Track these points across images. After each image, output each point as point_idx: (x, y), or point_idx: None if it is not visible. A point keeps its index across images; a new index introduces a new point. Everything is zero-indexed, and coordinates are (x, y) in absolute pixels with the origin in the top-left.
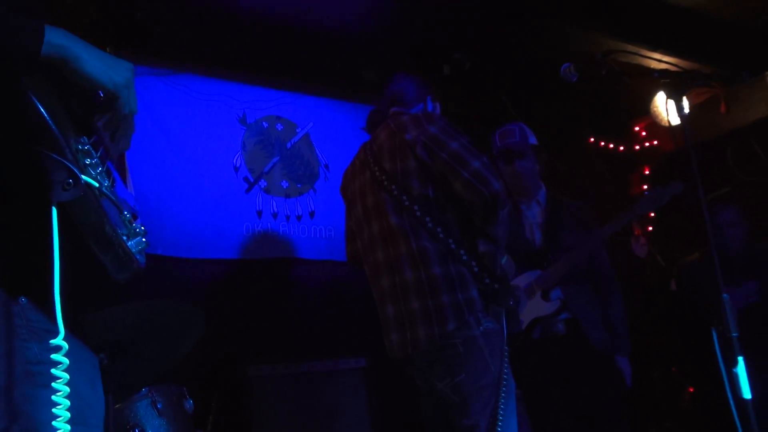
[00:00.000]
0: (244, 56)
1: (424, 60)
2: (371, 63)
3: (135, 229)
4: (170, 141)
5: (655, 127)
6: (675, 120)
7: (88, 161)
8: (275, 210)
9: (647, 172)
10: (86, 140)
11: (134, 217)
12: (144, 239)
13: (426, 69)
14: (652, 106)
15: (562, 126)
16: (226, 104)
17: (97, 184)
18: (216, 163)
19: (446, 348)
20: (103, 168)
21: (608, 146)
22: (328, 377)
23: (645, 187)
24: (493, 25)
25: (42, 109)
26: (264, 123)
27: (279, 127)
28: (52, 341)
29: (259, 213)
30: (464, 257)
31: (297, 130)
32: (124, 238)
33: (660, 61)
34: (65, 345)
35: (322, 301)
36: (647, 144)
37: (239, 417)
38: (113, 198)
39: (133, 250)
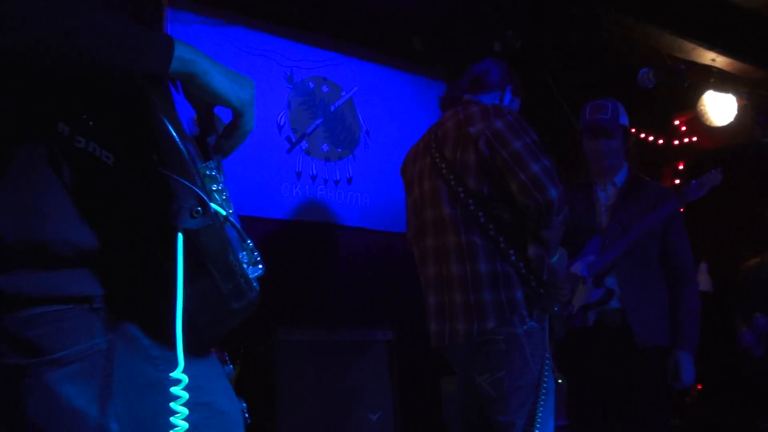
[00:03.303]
0: (296, 14)
1: (475, 34)
2: (422, 32)
3: (255, 258)
4: None
5: (696, 123)
6: (721, 121)
7: (214, 187)
8: (314, 172)
9: (681, 167)
10: (212, 165)
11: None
12: (261, 266)
13: (476, 43)
14: (699, 105)
15: None
16: (275, 61)
17: (223, 212)
18: (261, 120)
19: (488, 344)
20: (228, 194)
21: (647, 138)
22: (355, 347)
23: (677, 181)
24: (548, 6)
25: (173, 132)
26: (310, 83)
27: (325, 88)
28: (171, 374)
29: (299, 174)
30: (512, 257)
31: (342, 94)
32: (245, 265)
33: (713, 61)
34: (185, 378)
35: (353, 269)
36: (686, 140)
37: (265, 379)
38: (237, 226)
39: (250, 275)
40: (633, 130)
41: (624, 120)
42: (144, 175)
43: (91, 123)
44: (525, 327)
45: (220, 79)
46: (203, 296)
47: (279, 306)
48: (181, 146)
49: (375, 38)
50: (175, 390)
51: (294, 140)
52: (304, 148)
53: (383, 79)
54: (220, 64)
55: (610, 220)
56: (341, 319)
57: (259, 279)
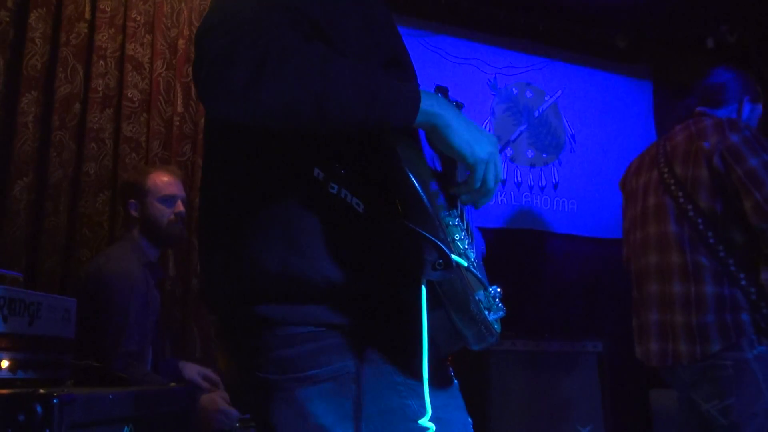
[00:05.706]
0: (498, 19)
1: (684, 30)
2: (626, 30)
3: (497, 305)
4: None
5: None
6: None
7: (456, 236)
8: (519, 179)
9: None
10: (456, 213)
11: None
12: (502, 311)
13: (687, 40)
14: None
15: None
16: (479, 68)
17: (465, 263)
18: None
19: (714, 368)
20: (471, 243)
21: None
22: (565, 358)
23: None
24: None
25: (418, 186)
26: (514, 89)
27: (528, 94)
28: (420, 422)
29: (504, 182)
30: (743, 282)
31: (545, 98)
32: (486, 312)
33: None
34: (432, 427)
35: (561, 277)
36: None
37: (476, 388)
38: (478, 275)
39: (490, 319)
40: None
41: None
42: (390, 224)
43: (342, 171)
44: (755, 351)
45: (459, 133)
46: (445, 337)
47: None
48: (426, 200)
49: (577, 39)
50: None
51: (499, 147)
52: (508, 155)
53: (587, 82)
54: (465, 118)
55: None
56: (550, 328)
57: (498, 321)
